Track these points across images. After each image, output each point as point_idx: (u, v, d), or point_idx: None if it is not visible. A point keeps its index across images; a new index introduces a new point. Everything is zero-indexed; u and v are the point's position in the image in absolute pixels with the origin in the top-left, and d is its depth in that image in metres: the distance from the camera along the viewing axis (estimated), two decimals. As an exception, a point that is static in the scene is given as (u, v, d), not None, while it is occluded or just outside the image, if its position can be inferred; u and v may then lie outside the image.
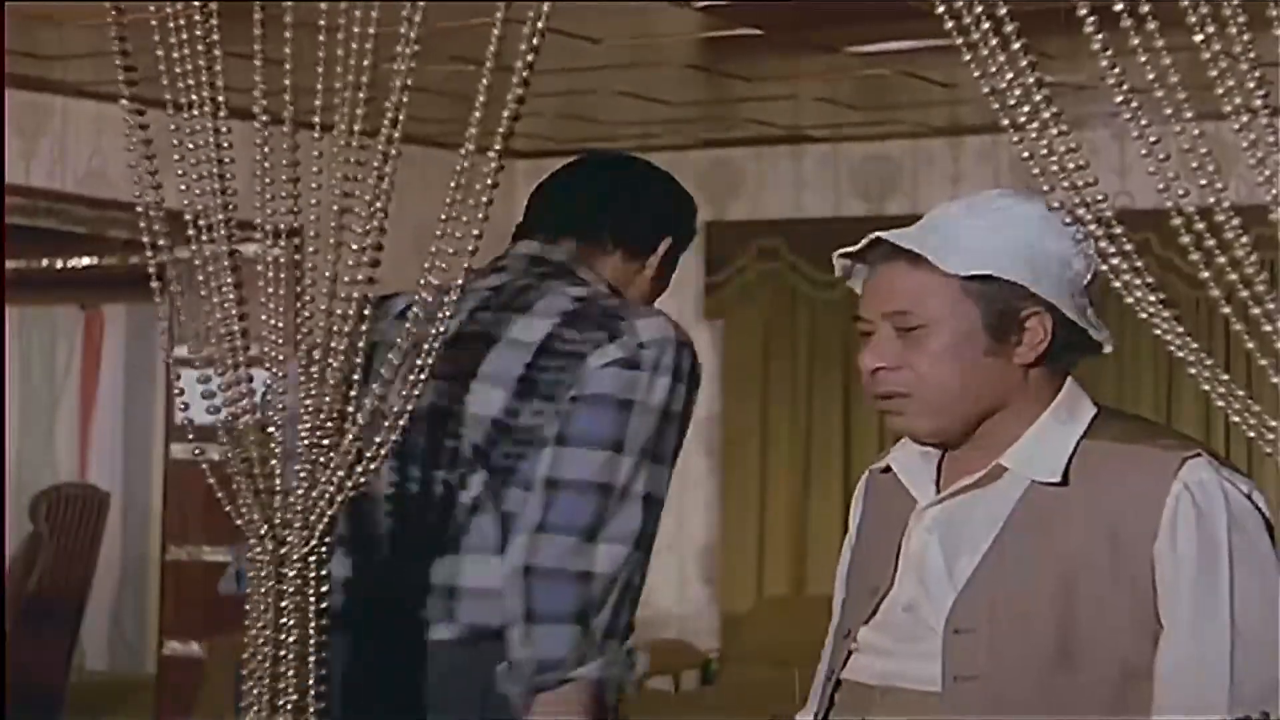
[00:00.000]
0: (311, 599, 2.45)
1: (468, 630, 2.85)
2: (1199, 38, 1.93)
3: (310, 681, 2.46)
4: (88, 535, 9.20)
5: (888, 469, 2.51)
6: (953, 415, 2.39)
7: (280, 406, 2.49)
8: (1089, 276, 2.37)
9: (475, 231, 2.34)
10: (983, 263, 2.35)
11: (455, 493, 2.83)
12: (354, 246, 2.36)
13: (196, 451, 2.52)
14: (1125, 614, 2.30)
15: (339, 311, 2.40)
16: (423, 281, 2.36)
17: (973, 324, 2.37)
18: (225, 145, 2.47)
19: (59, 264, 10.25)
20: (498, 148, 2.29)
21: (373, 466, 2.44)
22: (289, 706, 2.44)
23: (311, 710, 2.44)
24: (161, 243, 2.49)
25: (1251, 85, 1.92)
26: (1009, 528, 2.36)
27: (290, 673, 2.45)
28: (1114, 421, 2.42)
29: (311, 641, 2.45)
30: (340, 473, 2.43)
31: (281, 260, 2.45)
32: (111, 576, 10.50)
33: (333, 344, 2.40)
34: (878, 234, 2.40)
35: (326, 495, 2.43)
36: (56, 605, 8.88)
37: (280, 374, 2.49)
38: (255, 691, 2.43)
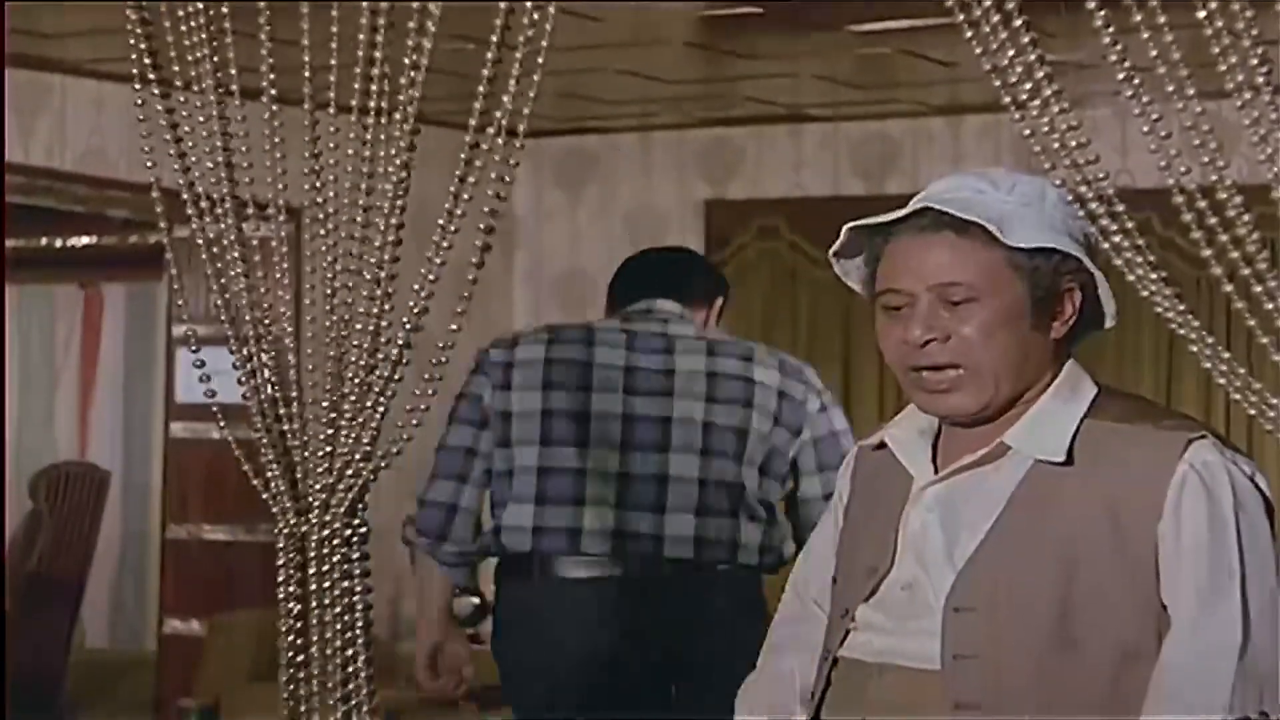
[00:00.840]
0: (336, 575, 2.45)
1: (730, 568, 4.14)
2: (1201, 15, 1.93)
3: (340, 660, 2.45)
4: (88, 514, 9.20)
5: (880, 445, 2.49)
6: (1000, 390, 2.35)
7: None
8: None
9: (487, 208, 2.33)
10: (1038, 236, 2.32)
11: (741, 479, 4.13)
12: (380, 226, 2.36)
13: (222, 427, 2.53)
14: (1126, 594, 2.29)
15: (365, 294, 2.39)
16: (435, 261, 2.36)
17: (1020, 298, 2.33)
18: (234, 120, 2.47)
19: (58, 243, 10.26)
20: (515, 132, 2.30)
21: (384, 461, 2.45)
22: (320, 684, 2.44)
23: (340, 694, 2.44)
24: (204, 216, 2.49)
25: (1254, 63, 1.92)
26: (1011, 507, 2.34)
27: (318, 649, 2.45)
28: (1116, 401, 2.41)
29: (337, 617, 2.44)
30: (358, 456, 2.42)
31: (305, 237, 2.44)
32: (112, 555, 10.50)
33: (356, 326, 2.39)
34: (925, 204, 2.35)
35: (346, 479, 2.43)
36: (57, 584, 8.89)
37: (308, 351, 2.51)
38: (286, 669, 2.43)
